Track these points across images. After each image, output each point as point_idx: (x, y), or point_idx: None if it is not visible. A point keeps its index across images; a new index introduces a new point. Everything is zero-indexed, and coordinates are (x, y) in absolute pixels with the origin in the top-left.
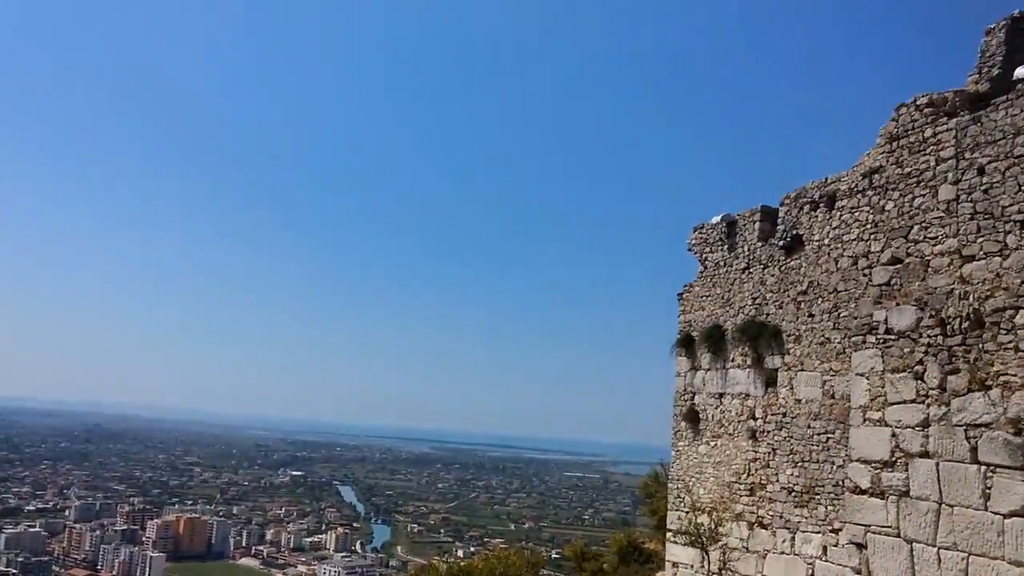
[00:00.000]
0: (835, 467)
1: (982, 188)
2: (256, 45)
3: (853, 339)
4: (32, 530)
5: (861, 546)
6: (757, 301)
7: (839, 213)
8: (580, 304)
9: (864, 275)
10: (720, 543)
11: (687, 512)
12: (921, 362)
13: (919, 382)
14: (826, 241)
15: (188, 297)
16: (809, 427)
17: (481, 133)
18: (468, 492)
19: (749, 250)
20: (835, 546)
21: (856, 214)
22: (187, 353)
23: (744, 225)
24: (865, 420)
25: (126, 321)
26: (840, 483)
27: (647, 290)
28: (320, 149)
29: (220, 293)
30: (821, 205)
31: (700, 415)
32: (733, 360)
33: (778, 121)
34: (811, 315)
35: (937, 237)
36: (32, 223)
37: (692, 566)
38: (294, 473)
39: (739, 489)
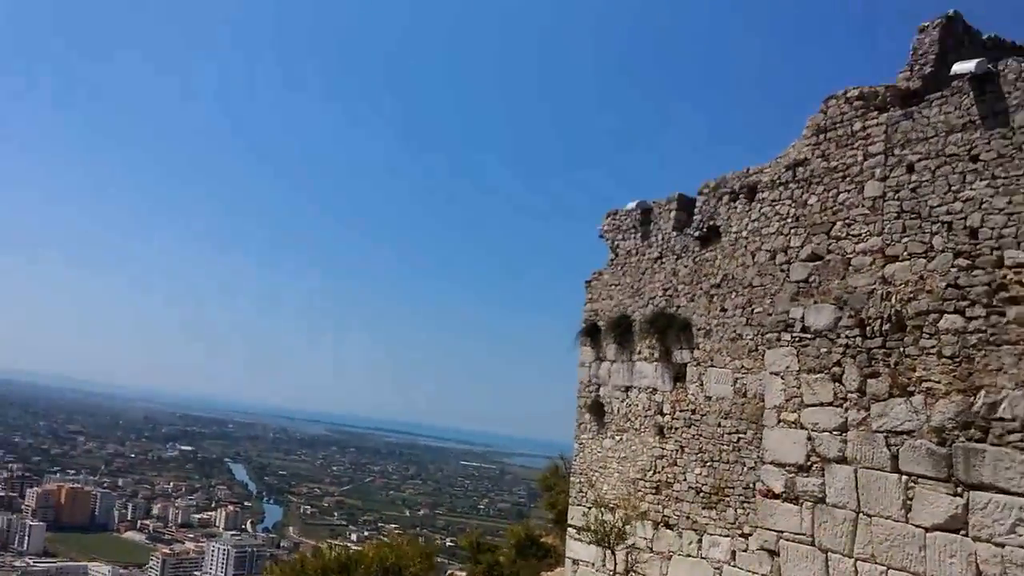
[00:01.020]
0: (746, 468)
1: (910, 186)
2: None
3: (767, 336)
4: None
5: (773, 553)
6: (668, 292)
7: (759, 205)
8: (481, 295)
9: (782, 271)
10: (627, 543)
11: (590, 508)
12: (839, 363)
13: (837, 384)
14: (744, 234)
15: (84, 265)
16: (719, 426)
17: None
18: (363, 476)
19: (663, 239)
20: (744, 551)
21: (777, 207)
22: (73, 320)
23: (660, 213)
24: (780, 421)
25: (15, 284)
26: (751, 486)
27: (549, 283)
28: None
29: (115, 262)
30: (741, 196)
31: (605, 408)
32: (640, 352)
33: (691, 118)
34: (724, 309)
35: (860, 235)
36: None
37: (593, 564)
38: (183, 448)
39: (644, 486)
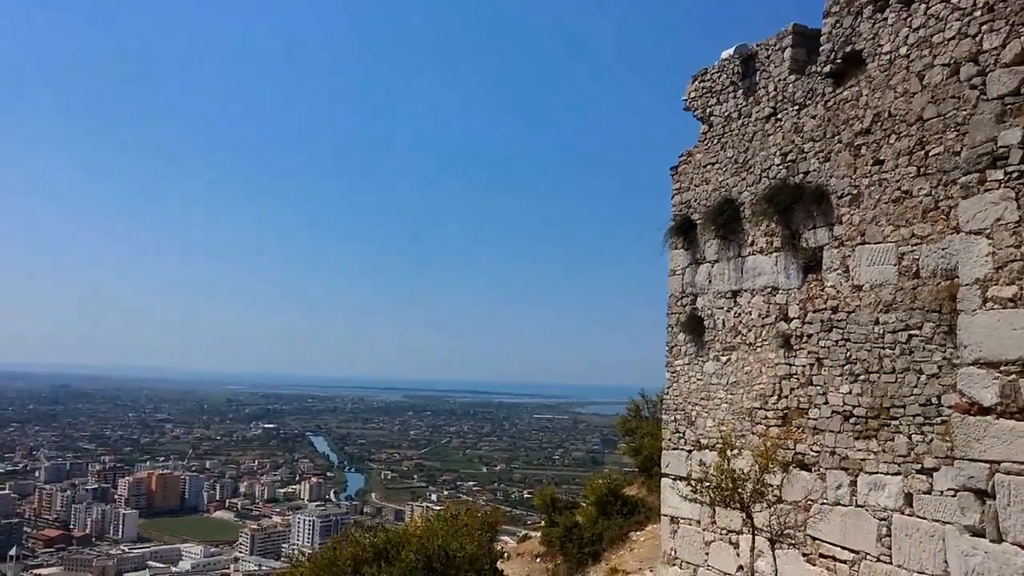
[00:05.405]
0: (924, 377)
1: None
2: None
3: (962, 180)
4: (1, 492)
5: (983, 494)
6: (790, 156)
7: (923, 6)
8: (540, 249)
9: (972, 87)
10: (770, 498)
11: (691, 451)
12: None
13: None
14: (903, 51)
15: (152, 254)
16: (877, 323)
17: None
18: (440, 438)
19: (776, 89)
20: (928, 493)
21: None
22: (154, 310)
23: (768, 56)
24: (987, 301)
25: (91, 281)
26: (933, 400)
27: (609, 224)
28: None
29: (183, 248)
30: (892, 1)
31: (705, 322)
32: (753, 244)
33: None
34: (879, 162)
35: None
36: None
37: (699, 522)
38: (266, 426)
39: (766, 417)
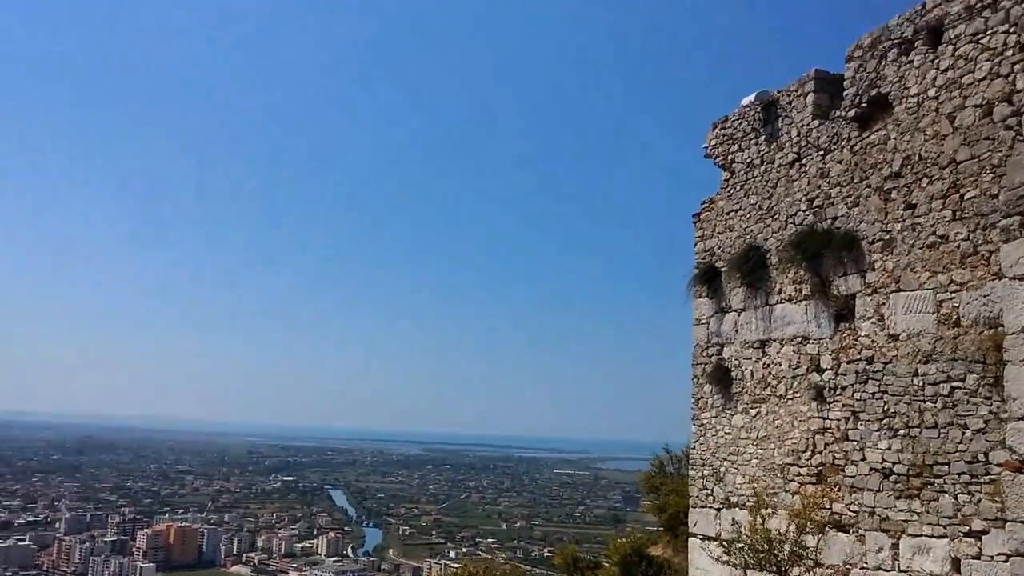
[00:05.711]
0: (970, 433)
1: None
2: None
3: (1002, 224)
4: (21, 544)
5: None
6: (816, 202)
7: (951, 48)
8: (561, 302)
9: (1007, 128)
10: (807, 562)
11: (720, 509)
12: None
13: None
14: (931, 93)
15: (178, 308)
16: (916, 374)
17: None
18: (459, 492)
19: (800, 134)
20: (977, 558)
21: (984, 40)
22: (178, 363)
23: (790, 103)
24: None
25: (120, 334)
26: (980, 457)
27: (631, 284)
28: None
29: (208, 302)
30: (918, 44)
31: (733, 373)
32: (781, 292)
33: None
34: (910, 206)
35: None
36: (24, 233)
37: None
38: (285, 478)
39: (800, 474)
